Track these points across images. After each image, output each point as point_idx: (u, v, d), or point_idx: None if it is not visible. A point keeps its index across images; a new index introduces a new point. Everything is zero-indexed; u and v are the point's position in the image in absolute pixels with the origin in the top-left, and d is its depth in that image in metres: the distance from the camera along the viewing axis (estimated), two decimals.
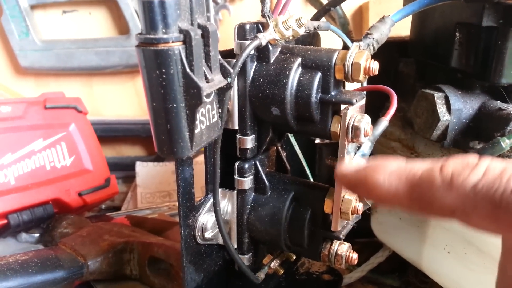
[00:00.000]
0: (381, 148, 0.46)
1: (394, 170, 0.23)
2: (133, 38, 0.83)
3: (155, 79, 0.25)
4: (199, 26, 0.27)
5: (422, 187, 0.22)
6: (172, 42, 0.25)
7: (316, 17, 0.43)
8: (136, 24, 0.83)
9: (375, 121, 0.45)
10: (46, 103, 0.66)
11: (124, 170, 0.84)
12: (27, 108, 0.64)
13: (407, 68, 0.47)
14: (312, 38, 0.47)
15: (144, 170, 0.80)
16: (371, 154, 0.37)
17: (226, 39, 0.88)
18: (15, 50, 0.83)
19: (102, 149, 0.69)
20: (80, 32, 0.88)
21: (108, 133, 0.85)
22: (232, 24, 0.92)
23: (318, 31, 0.42)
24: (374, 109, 0.49)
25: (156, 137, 0.27)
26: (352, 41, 0.44)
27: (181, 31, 0.25)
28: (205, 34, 0.27)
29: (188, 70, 0.25)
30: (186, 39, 0.25)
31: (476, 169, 0.20)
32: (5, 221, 0.56)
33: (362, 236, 0.57)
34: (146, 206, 0.72)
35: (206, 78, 0.27)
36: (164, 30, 0.25)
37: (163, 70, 0.25)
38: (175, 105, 0.26)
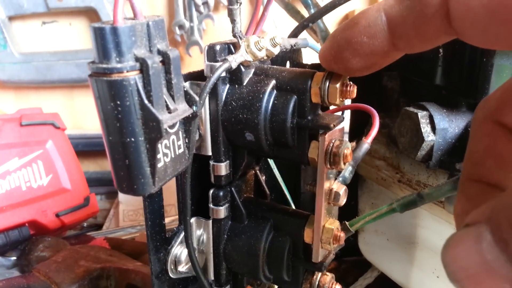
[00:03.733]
0: (365, 166, 0.44)
1: None
2: None
3: (110, 112, 0.23)
4: (159, 52, 0.25)
5: None
6: (127, 71, 0.23)
7: (294, 33, 0.41)
8: None
9: (360, 136, 0.43)
10: (22, 120, 0.63)
11: (107, 185, 0.81)
12: (1, 125, 0.62)
13: (391, 82, 0.45)
14: (292, 53, 0.45)
15: None
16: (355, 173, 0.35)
17: None
18: None
19: (81, 166, 0.66)
20: (60, 43, 0.85)
21: (90, 147, 0.83)
22: (217, 33, 0.90)
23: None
24: (360, 124, 0.47)
25: (115, 173, 0.25)
26: None
27: (137, 59, 0.23)
28: (166, 60, 0.25)
29: (146, 101, 0.23)
30: (143, 67, 0.23)
31: None
32: None
33: (350, 254, 0.55)
34: (128, 224, 0.69)
35: (168, 108, 0.25)
36: (117, 59, 0.23)
37: (118, 102, 0.23)
38: (133, 139, 0.24)
